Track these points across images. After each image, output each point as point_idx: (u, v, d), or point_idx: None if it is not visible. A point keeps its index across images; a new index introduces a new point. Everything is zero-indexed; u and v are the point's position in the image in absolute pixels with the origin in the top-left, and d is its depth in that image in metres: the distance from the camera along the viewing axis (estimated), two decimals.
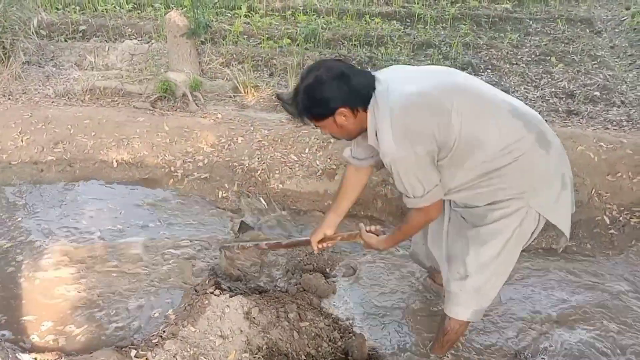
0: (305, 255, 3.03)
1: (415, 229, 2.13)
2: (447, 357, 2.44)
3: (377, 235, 2.25)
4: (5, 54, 4.83)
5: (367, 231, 2.26)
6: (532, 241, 2.10)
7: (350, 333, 2.52)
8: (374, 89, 1.90)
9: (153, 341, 2.37)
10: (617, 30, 5.71)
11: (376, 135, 1.89)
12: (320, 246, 2.43)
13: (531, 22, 5.97)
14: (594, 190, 3.34)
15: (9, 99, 4.49)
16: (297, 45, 5.28)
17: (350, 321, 2.64)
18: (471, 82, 1.97)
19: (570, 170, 2.05)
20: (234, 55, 5.17)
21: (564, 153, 2.04)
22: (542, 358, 2.45)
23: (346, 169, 2.36)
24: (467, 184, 1.97)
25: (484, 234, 2.01)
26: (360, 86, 1.89)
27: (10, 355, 2.13)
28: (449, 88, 1.90)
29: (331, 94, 1.86)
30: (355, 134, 2.03)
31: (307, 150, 3.71)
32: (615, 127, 3.86)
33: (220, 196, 3.58)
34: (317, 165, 3.61)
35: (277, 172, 3.62)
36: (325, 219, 2.41)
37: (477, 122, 1.86)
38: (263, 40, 5.49)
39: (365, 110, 1.91)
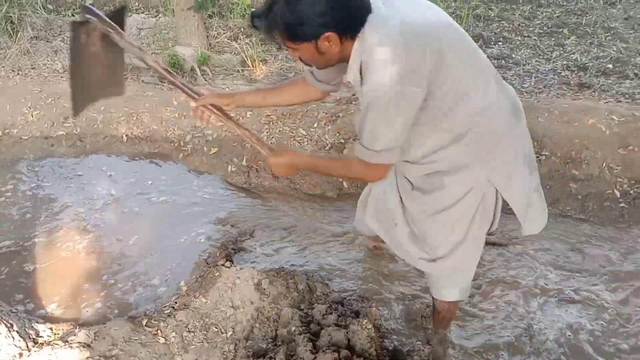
0: None
1: (346, 175, 1.95)
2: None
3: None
4: (14, 29, 4.83)
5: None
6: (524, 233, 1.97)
7: (360, 302, 2.54)
8: (369, 11, 1.56)
9: (165, 312, 2.42)
10: (631, 1, 5.60)
11: (361, 70, 1.59)
12: (202, 109, 1.96)
13: None
14: (604, 164, 3.31)
15: (18, 74, 4.50)
16: None
17: (356, 294, 2.67)
18: (463, 31, 1.73)
19: (532, 150, 1.93)
20: (242, 29, 5.13)
21: (529, 135, 1.91)
22: (555, 330, 2.46)
23: (299, 79, 2.06)
24: (436, 149, 1.76)
25: (449, 214, 1.86)
26: (356, 6, 1.53)
27: (27, 325, 2.17)
28: (448, 27, 1.66)
29: (320, 13, 1.49)
30: (331, 64, 1.69)
31: (315, 125, 3.70)
32: (627, 100, 3.81)
33: (229, 170, 3.59)
34: (326, 139, 3.60)
35: (285, 145, 3.62)
36: (241, 92, 2.15)
37: (468, 72, 1.66)
38: None
39: (353, 38, 1.57)
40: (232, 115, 2.04)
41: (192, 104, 1.97)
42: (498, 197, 1.86)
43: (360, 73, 1.59)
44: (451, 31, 1.66)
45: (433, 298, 2.21)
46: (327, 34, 1.53)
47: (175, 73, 1.99)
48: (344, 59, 1.64)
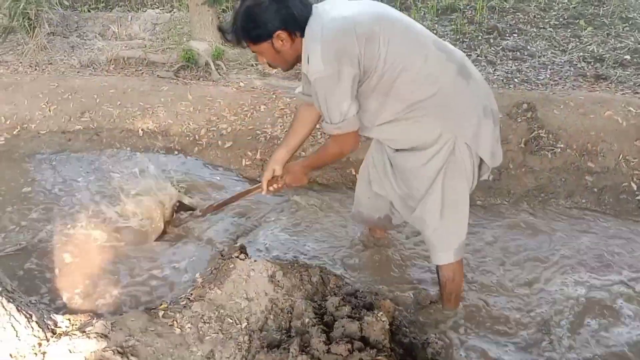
0: None
1: (329, 156, 2.19)
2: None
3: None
4: (31, 25, 4.89)
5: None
6: (481, 178, 2.20)
7: (374, 295, 2.55)
8: (310, 14, 1.93)
9: (181, 303, 2.44)
10: None
11: (307, 60, 1.91)
12: (271, 188, 2.42)
13: None
14: (621, 156, 3.28)
15: (36, 69, 4.57)
16: None
17: (369, 286, 2.68)
18: (400, 15, 2.04)
19: (495, 104, 2.12)
20: None
21: (487, 87, 2.14)
22: (570, 326, 2.45)
23: (298, 107, 2.42)
24: (394, 116, 2.03)
25: (423, 182, 2.12)
26: (298, 10, 1.90)
27: (45, 315, 2.21)
28: (378, 15, 1.96)
29: (270, 16, 1.88)
30: (291, 63, 2.04)
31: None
32: None
33: (243, 164, 3.61)
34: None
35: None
36: (275, 155, 2.42)
37: (402, 48, 1.93)
38: None
39: (302, 36, 1.93)
40: None
41: (264, 189, 2.44)
42: (473, 154, 2.07)
43: (308, 63, 1.92)
44: (384, 18, 1.95)
45: (437, 273, 2.37)
46: (278, 32, 1.90)
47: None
48: (299, 59, 1.98)
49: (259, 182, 2.54)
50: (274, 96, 3.96)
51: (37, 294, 2.63)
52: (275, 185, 2.42)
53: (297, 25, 1.91)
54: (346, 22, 1.90)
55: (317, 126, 2.42)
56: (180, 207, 3.03)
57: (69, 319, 2.30)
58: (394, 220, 2.59)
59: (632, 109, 3.41)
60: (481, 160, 2.13)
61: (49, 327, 2.17)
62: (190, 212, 2.97)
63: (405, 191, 2.25)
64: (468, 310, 2.48)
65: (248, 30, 1.92)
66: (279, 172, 2.40)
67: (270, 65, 2.09)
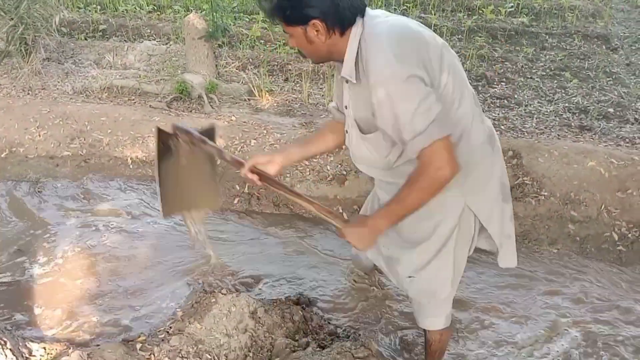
0: None
1: (427, 188, 1.66)
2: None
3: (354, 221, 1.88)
4: (27, 49, 4.93)
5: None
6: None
7: (356, 334, 2.54)
8: (356, 17, 1.69)
9: (159, 336, 2.41)
10: (634, 47, 5.70)
11: (356, 64, 1.68)
12: (250, 176, 1.94)
13: (547, 37, 5.97)
14: (603, 206, 3.33)
15: (29, 93, 4.58)
16: None
17: (353, 326, 2.66)
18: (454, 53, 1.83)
19: (507, 180, 1.98)
20: (250, 60, 5.23)
21: (504, 163, 1.97)
22: None
23: (326, 122, 2.22)
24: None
25: (426, 252, 1.93)
26: (348, 5, 1.66)
27: (20, 343, 2.17)
28: (442, 42, 1.75)
29: (310, 1, 1.64)
30: (322, 58, 1.79)
31: (318, 156, 3.74)
32: (627, 144, 3.86)
33: (230, 196, 3.62)
34: (328, 170, 3.64)
35: (288, 175, 3.65)
36: (286, 148, 2.21)
37: (455, 90, 1.71)
38: (279, 45, 5.54)
39: (342, 35, 1.69)
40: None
41: (241, 172, 1.95)
42: (476, 221, 1.92)
43: (356, 66, 1.69)
44: (445, 46, 1.75)
45: (425, 331, 2.23)
46: (314, 21, 1.65)
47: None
48: (333, 58, 1.76)
49: None
50: (265, 131, 4.00)
51: (12, 321, 2.58)
52: (256, 177, 1.93)
53: (338, 21, 1.67)
54: (418, 31, 1.70)
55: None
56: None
57: (44, 348, 2.26)
58: None
59: (614, 161, 3.48)
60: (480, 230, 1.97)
61: (24, 355, 2.13)
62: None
63: (394, 255, 2.06)
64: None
65: (283, 8, 1.68)
66: (273, 167, 1.98)
67: (300, 53, 1.82)
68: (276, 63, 5.21)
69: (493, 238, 1.93)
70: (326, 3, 1.64)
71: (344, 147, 2.03)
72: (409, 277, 2.02)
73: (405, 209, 1.72)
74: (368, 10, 1.73)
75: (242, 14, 6.30)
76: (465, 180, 1.78)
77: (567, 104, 4.53)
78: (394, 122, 1.63)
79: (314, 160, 3.72)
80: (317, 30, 1.67)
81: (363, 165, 1.94)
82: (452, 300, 2.11)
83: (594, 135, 4.03)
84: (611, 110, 4.40)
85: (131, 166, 3.87)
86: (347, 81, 1.76)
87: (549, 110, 4.45)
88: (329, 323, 2.65)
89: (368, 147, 1.83)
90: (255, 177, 1.94)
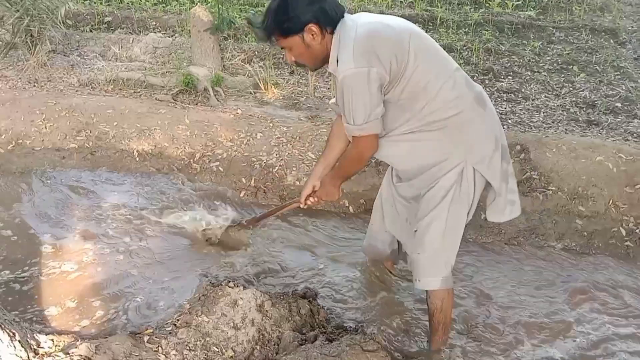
0: None
1: (350, 161, 2.20)
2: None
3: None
4: (33, 42, 4.92)
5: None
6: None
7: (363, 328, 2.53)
8: (342, 15, 1.99)
9: (167, 329, 2.41)
10: None
11: (337, 60, 1.95)
12: (309, 201, 2.48)
13: (554, 31, 5.94)
14: (611, 201, 3.32)
15: (34, 86, 4.57)
16: None
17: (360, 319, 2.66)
18: (427, 35, 2.10)
19: (505, 138, 2.17)
20: (256, 52, 5.22)
21: (498, 118, 2.19)
22: None
23: (334, 121, 2.43)
24: (409, 131, 2.07)
25: (427, 203, 2.14)
26: (332, 7, 1.96)
27: (29, 335, 2.17)
28: (410, 28, 2.02)
29: (302, 9, 1.93)
30: (319, 60, 2.07)
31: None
32: (635, 139, 3.84)
33: (237, 190, 3.62)
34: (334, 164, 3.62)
35: (294, 169, 3.65)
36: (314, 171, 2.47)
37: (429, 66, 1.99)
38: None
39: (332, 33, 1.98)
40: None
41: (302, 202, 2.50)
42: (477, 180, 2.11)
43: (337, 62, 1.95)
44: (414, 33, 2.01)
45: (427, 301, 2.34)
46: (309, 25, 1.94)
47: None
48: (326, 58, 2.03)
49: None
50: (271, 124, 3.99)
51: (21, 312, 2.59)
52: (312, 199, 2.47)
53: (328, 20, 1.96)
54: (380, 26, 1.97)
55: None
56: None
57: (52, 340, 2.26)
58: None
59: (622, 156, 3.46)
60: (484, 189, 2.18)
61: (32, 347, 2.13)
62: (238, 223, 3.09)
63: (408, 218, 2.31)
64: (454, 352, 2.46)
65: (280, 22, 1.95)
66: (318, 187, 2.44)
67: (297, 64, 2.12)
68: (282, 56, 5.19)
69: (493, 185, 2.13)
70: (315, 6, 1.93)
71: None
72: (415, 230, 2.23)
73: (344, 172, 2.28)
74: (347, 13, 2.02)
75: (247, 6, 6.28)
76: (460, 141, 2.06)
77: (574, 98, 4.51)
78: (341, 106, 2.01)
79: (320, 153, 3.68)
80: (312, 34, 1.96)
81: None
82: (449, 265, 2.24)
83: (601, 130, 4.01)
84: (619, 104, 4.38)
85: (137, 159, 3.87)
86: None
87: (556, 105, 4.43)
88: (336, 316, 2.65)
89: None
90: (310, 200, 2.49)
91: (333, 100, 2.30)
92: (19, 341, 2.04)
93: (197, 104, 4.38)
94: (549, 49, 5.51)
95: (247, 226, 3.05)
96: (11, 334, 2.03)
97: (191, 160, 3.81)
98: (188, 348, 2.29)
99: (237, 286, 2.59)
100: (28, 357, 2.07)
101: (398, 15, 6.05)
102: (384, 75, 1.92)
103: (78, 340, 2.28)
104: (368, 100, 1.93)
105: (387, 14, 6.16)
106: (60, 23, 5.05)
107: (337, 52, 1.95)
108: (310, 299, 2.67)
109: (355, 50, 1.89)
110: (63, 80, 4.72)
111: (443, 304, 2.30)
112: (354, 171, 2.29)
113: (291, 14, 1.93)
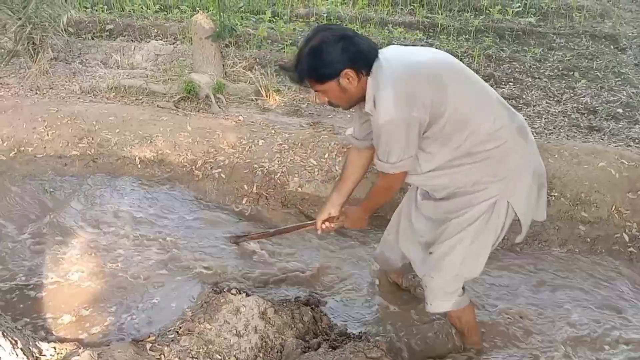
0: None
1: (379, 193, 2.20)
2: None
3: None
4: (35, 49, 4.94)
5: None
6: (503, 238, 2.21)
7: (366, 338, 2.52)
8: (377, 56, 1.94)
9: (169, 336, 2.40)
10: None
11: (374, 101, 1.91)
12: (324, 227, 2.48)
13: (555, 37, 5.94)
14: (614, 207, 3.31)
15: (37, 93, 4.58)
16: None
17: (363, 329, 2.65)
18: (462, 65, 2.08)
19: (543, 169, 2.17)
20: (257, 60, 5.22)
21: (537, 150, 2.17)
22: None
23: (349, 151, 2.43)
24: (447, 164, 2.04)
25: (453, 228, 2.11)
26: (365, 49, 1.91)
27: (31, 342, 2.17)
28: (445, 63, 2.02)
29: (337, 54, 1.87)
30: (354, 101, 2.03)
31: (326, 155, 3.73)
32: (637, 145, 3.83)
33: (239, 196, 3.61)
34: (336, 170, 3.63)
35: (296, 175, 3.65)
36: (330, 198, 2.47)
37: (469, 101, 1.97)
38: (286, 45, 5.54)
39: (367, 74, 1.93)
40: None
41: (317, 227, 2.51)
42: (509, 212, 2.08)
43: (374, 104, 1.92)
44: (451, 67, 2.01)
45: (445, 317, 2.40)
46: (345, 70, 1.89)
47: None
48: (362, 98, 1.97)
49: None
50: (273, 131, 3.99)
51: (23, 320, 2.58)
52: (328, 224, 2.48)
53: (364, 63, 1.91)
54: (417, 66, 1.95)
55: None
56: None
57: (54, 347, 2.26)
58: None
59: (624, 162, 3.46)
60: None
61: (34, 354, 2.13)
62: (245, 235, 3.13)
63: (426, 239, 2.26)
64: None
65: (315, 69, 1.90)
66: (334, 214, 2.45)
67: (330, 104, 2.08)
68: (283, 63, 5.19)
69: (521, 221, 2.12)
70: (350, 50, 1.87)
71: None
72: (430, 252, 2.21)
73: (373, 204, 2.28)
74: (380, 50, 1.97)
75: (249, 14, 6.30)
76: (499, 172, 2.02)
77: (575, 104, 4.51)
78: (376, 144, 2.00)
79: (322, 159, 3.71)
80: (349, 78, 1.91)
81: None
82: (459, 289, 2.24)
83: (603, 136, 4.01)
84: (620, 110, 4.38)
85: (139, 166, 3.87)
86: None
87: (557, 111, 4.43)
88: (339, 324, 2.64)
89: None
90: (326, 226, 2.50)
91: (350, 130, 2.30)
92: (21, 349, 2.04)
93: (198, 111, 4.38)
94: (549, 55, 5.52)
95: (255, 238, 3.06)
96: (13, 342, 2.02)
97: (193, 167, 3.81)
98: (190, 356, 2.28)
99: (240, 293, 2.59)
100: None
101: (399, 22, 6.11)
102: (424, 117, 1.90)
103: (80, 348, 2.28)
104: (404, 144, 1.93)
105: (388, 20, 6.20)
106: (62, 31, 5.07)
107: (374, 92, 1.91)
108: (313, 306, 2.66)
109: (396, 94, 1.87)
110: (65, 88, 4.73)
111: (462, 320, 2.35)
112: (383, 202, 2.29)
113: (326, 59, 1.88)
